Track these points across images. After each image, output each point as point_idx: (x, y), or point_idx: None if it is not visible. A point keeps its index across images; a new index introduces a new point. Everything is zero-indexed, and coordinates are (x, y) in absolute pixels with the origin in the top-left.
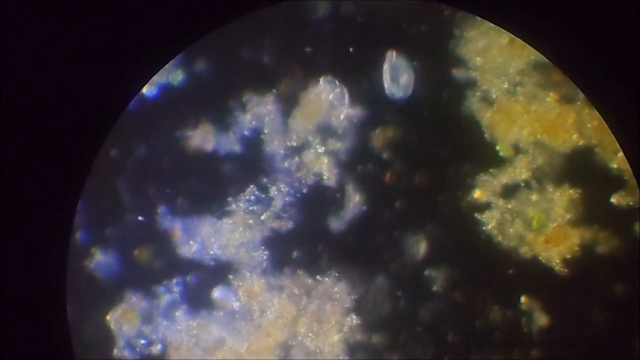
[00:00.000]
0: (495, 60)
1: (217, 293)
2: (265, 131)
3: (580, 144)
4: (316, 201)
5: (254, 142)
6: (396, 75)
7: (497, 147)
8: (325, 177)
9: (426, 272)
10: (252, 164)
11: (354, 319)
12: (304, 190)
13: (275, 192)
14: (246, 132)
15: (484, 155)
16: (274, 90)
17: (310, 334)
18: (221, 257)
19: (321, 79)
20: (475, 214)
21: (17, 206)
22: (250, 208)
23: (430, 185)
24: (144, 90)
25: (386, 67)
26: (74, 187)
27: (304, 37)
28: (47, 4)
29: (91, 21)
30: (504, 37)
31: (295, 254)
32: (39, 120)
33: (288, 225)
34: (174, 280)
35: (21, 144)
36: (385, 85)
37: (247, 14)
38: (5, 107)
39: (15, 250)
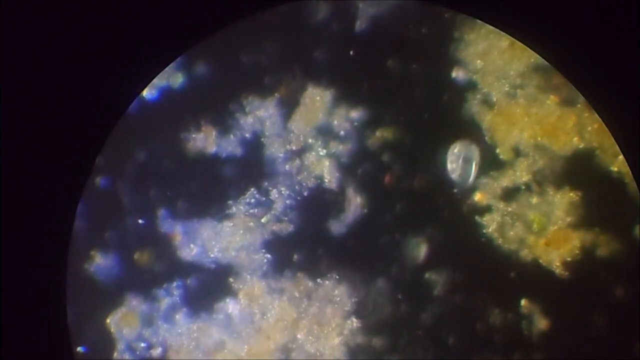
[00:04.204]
0: (496, 63)
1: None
2: (266, 134)
3: (580, 147)
4: (317, 204)
5: (254, 145)
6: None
7: (498, 150)
8: (326, 180)
9: (426, 275)
10: (252, 167)
11: (354, 322)
12: (305, 193)
13: (276, 195)
14: (247, 135)
15: (484, 158)
16: (275, 94)
17: (310, 337)
18: (222, 260)
19: None
20: (476, 217)
21: (18, 209)
22: (251, 211)
23: (431, 188)
24: (144, 93)
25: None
26: (74, 190)
27: (304, 40)
28: (47, 4)
29: (91, 23)
30: (504, 40)
31: (295, 257)
32: (40, 123)
33: (289, 228)
34: (174, 283)
35: (21, 146)
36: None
37: (247, 16)
38: (5, 109)
39: (16, 253)
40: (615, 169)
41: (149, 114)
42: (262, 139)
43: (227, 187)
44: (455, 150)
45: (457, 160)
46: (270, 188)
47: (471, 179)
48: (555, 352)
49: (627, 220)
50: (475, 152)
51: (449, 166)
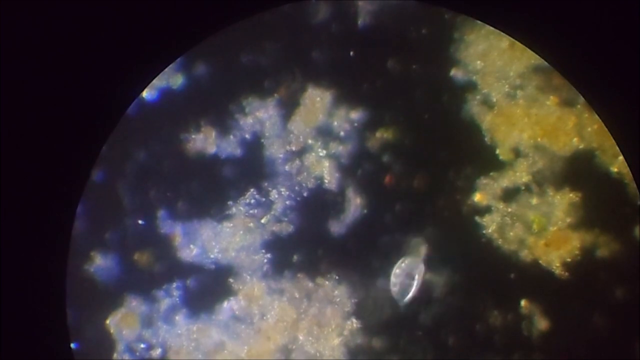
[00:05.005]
0: (496, 64)
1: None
2: (266, 135)
3: (580, 147)
4: (317, 205)
5: (254, 146)
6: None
7: (497, 151)
8: (326, 181)
9: (426, 275)
10: (252, 168)
11: (354, 323)
12: (305, 194)
13: (276, 196)
14: (247, 136)
15: (484, 159)
16: (274, 94)
17: (310, 338)
18: (221, 261)
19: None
20: (476, 218)
21: (17, 211)
22: (251, 211)
23: (430, 189)
24: (144, 93)
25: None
26: (74, 190)
27: (304, 40)
28: (46, 5)
29: (91, 23)
30: (504, 41)
31: (295, 258)
32: (38, 124)
33: (289, 228)
34: (174, 284)
35: (20, 148)
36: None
37: (247, 17)
38: (4, 109)
39: (15, 255)
40: (615, 169)
41: (149, 114)
42: (262, 140)
43: (227, 187)
44: (403, 265)
45: (401, 276)
46: (270, 189)
47: (409, 297)
48: (555, 352)
49: (627, 221)
50: (421, 271)
51: (392, 279)
